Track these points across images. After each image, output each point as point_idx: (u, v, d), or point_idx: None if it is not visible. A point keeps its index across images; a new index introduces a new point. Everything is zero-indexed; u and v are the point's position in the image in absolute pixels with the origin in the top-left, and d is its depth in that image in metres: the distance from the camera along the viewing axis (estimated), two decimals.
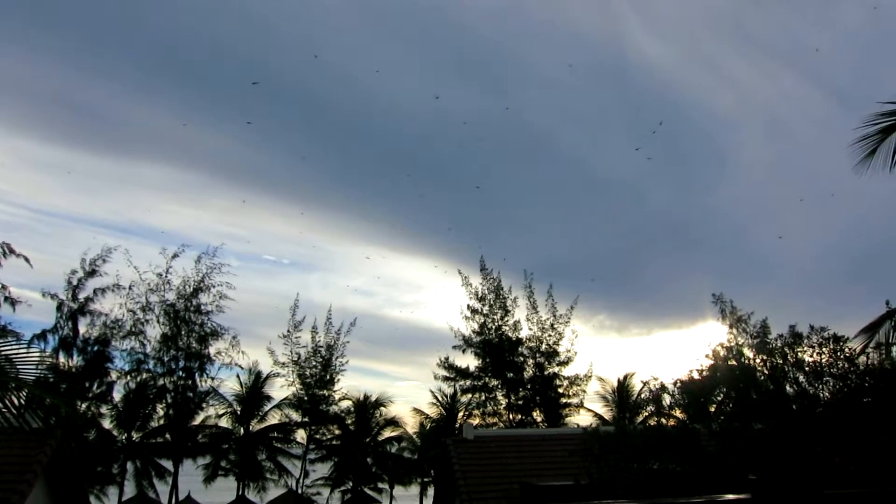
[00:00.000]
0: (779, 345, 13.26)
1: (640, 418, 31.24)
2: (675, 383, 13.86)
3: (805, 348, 12.68)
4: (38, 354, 7.28)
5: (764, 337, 13.77)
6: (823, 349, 12.37)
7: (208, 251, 32.12)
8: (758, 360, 13.47)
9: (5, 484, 12.51)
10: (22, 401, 6.42)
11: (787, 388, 12.84)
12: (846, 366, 12.16)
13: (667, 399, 13.97)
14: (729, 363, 13.71)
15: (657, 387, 14.15)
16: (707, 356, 14.05)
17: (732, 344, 14.17)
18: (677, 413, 14.15)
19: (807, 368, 12.49)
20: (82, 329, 29.51)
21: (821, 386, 12.37)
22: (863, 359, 12.31)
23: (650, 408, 15.86)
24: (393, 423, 38.47)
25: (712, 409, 13.85)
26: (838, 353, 12.23)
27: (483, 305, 33.43)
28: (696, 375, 13.80)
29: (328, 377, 34.25)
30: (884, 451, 10.55)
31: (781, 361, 12.98)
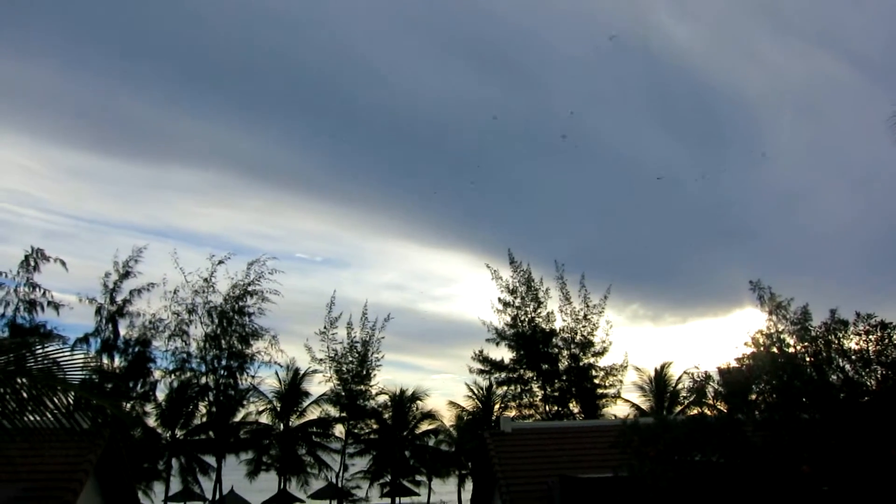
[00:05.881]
0: (822, 331, 12.91)
1: (678, 408, 30.89)
2: (718, 370, 13.58)
3: (850, 335, 12.34)
4: (82, 357, 7.39)
5: (805, 324, 13.41)
6: (870, 336, 12.02)
7: (260, 259, 32.52)
8: (799, 348, 13.15)
9: (59, 483, 12.93)
10: (71, 402, 6.57)
11: (832, 376, 12.52)
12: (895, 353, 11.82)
13: (710, 389, 13.71)
14: (770, 351, 13.40)
15: (700, 376, 13.87)
16: (746, 344, 13.74)
17: (772, 331, 13.84)
18: (718, 403, 13.90)
19: (852, 356, 12.17)
20: (122, 331, 30.22)
21: (868, 374, 12.04)
22: None
23: (689, 397, 15.60)
24: (429, 416, 38.72)
25: (753, 398, 13.56)
26: (886, 341, 11.88)
27: (515, 298, 33.30)
28: (735, 364, 13.52)
29: (364, 372, 34.56)
30: None
31: (825, 349, 12.66)
